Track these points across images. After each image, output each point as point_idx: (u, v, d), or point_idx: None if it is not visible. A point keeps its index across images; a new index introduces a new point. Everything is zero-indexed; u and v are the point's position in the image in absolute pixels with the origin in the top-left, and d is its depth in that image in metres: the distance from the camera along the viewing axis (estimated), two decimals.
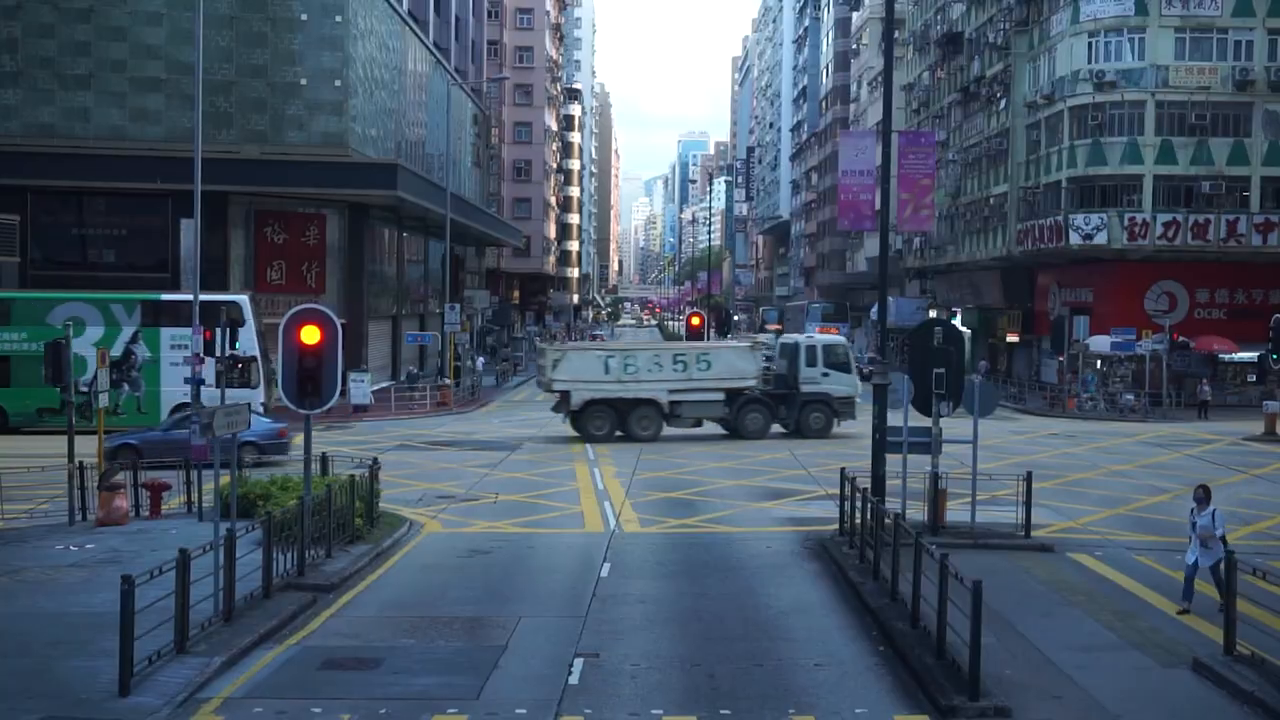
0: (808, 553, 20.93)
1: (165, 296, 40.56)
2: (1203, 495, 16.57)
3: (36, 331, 37.79)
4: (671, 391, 37.09)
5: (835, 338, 42.12)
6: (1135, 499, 26.57)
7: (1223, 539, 16.34)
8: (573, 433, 37.93)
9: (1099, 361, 50.28)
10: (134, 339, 39.01)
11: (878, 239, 26.84)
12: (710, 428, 38.71)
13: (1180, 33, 49.98)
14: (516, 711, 12.51)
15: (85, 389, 30.54)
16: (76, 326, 34.91)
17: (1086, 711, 12.84)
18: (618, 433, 37.46)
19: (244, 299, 40.14)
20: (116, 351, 37.43)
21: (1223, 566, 16.20)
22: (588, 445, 36.50)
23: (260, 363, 38.47)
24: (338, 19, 49.56)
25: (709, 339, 71.59)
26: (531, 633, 15.59)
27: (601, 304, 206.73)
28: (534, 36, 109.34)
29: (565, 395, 37.51)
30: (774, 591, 18.09)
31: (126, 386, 38.23)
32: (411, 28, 61.65)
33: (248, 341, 38.84)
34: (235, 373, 35.94)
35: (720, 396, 37.55)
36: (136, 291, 40.66)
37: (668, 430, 37.74)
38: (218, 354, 25.74)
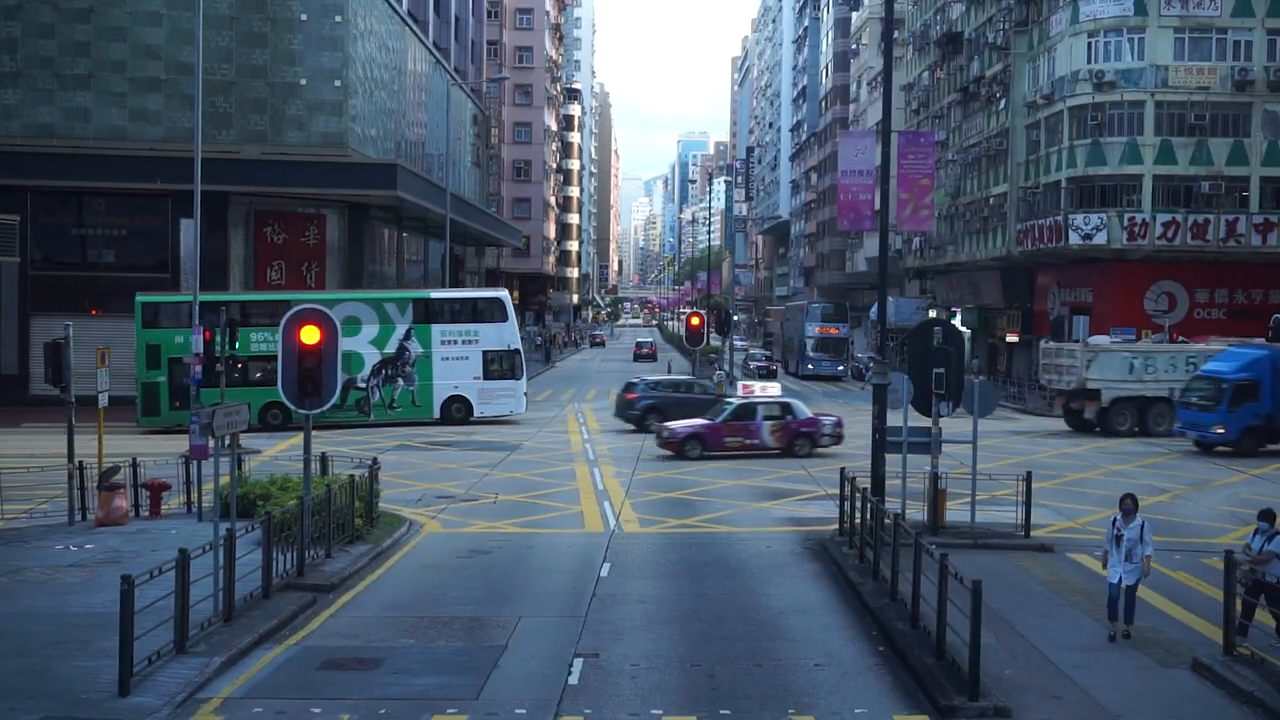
0: (807, 553, 20.93)
1: (434, 295, 43.26)
2: (1130, 506, 15.32)
3: None
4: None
5: None
6: None
7: (1147, 558, 15.04)
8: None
9: None
10: (407, 335, 40.93)
11: (877, 239, 26.84)
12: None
13: (1179, 33, 49.96)
14: (516, 711, 12.52)
15: (362, 385, 36.03)
16: (352, 325, 37.34)
17: (1086, 711, 12.84)
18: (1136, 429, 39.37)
19: (504, 294, 42.49)
20: (391, 348, 40.36)
21: (1137, 590, 15.20)
22: (587, 445, 36.51)
23: (522, 355, 42.35)
24: (337, 19, 49.58)
25: (708, 340, 71.70)
26: (531, 633, 15.59)
27: (601, 304, 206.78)
28: (534, 36, 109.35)
29: (1094, 393, 39.76)
30: (774, 591, 18.09)
31: (401, 381, 40.70)
32: (411, 28, 61.64)
33: (511, 335, 42.25)
34: (499, 365, 41.64)
35: None
36: (405, 290, 43.35)
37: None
38: (220, 352, 25.72)
